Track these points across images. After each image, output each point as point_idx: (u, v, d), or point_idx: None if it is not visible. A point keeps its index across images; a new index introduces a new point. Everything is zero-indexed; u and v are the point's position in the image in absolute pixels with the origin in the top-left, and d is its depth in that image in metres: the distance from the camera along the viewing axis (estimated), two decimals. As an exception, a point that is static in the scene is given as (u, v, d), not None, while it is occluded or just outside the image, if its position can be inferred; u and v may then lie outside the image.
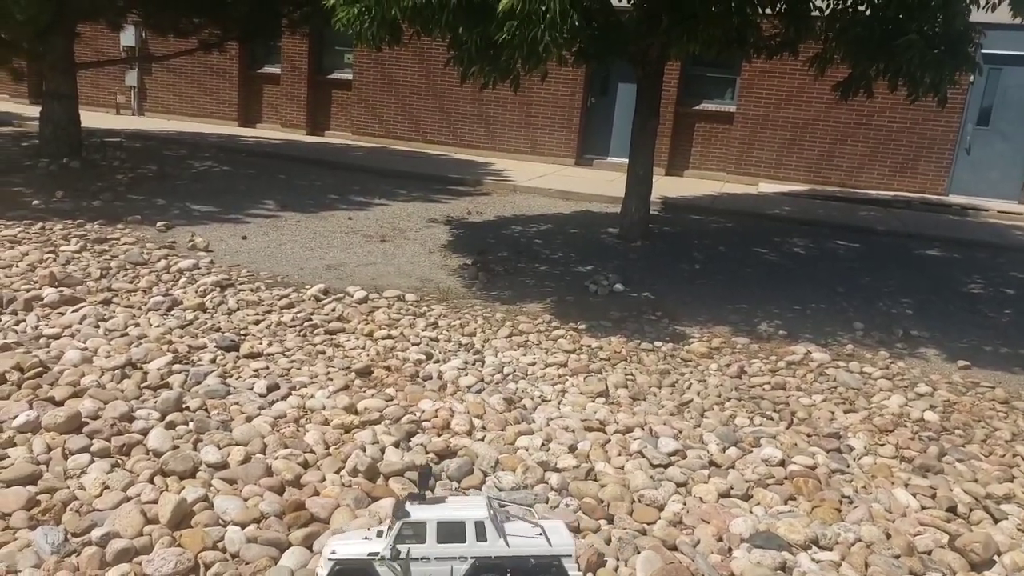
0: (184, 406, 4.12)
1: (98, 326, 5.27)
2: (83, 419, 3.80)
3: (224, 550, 3.01)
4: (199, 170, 11.88)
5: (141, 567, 2.83)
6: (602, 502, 3.53)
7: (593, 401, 4.73)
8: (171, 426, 3.88)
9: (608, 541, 3.22)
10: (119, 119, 17.00)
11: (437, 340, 5.63)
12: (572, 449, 4.02)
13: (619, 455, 4.02)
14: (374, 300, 6.40)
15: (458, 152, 15.37)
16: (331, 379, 4.74)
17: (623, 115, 14.37)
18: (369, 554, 2.58)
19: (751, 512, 3.58)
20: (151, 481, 3.38)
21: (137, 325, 5.37)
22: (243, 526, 3.13)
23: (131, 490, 3.30)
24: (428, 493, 2.70)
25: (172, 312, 5.71)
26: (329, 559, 2.65)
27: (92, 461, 3.49)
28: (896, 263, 8.99)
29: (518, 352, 5.51)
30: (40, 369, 4.38)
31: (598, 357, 5.53)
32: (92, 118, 13.71)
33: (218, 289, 6.31)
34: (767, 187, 13.62)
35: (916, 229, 10.85)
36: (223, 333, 5.33)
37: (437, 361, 5.22)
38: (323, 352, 5.23)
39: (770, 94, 13.84)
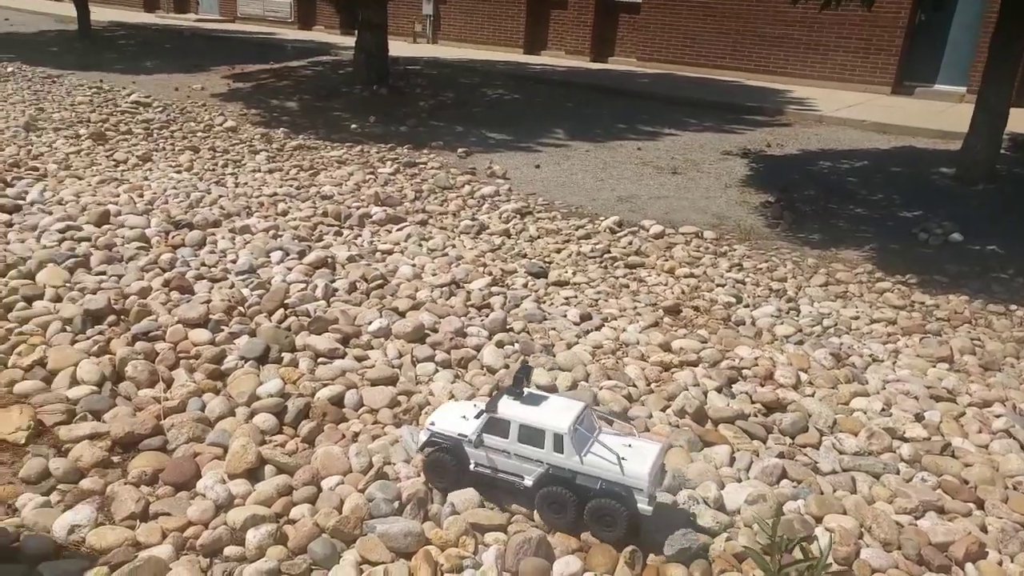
0: (508, 327, 4.30)
1: (421, 244, 5.68)
2: (425, 331, 4.11)
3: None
4: (492, 98, 12.34)
5: (495, 477, 2.99)
6: (967, 483, 3.11)
7: (934, 366, 4.20)
8: (500, 345, 4.07)
9: (984, 529, 2.84)
10: (415, 47, 18.17)
11: (744, 283, 5.34)
12: (919, 418, 3.59)
13: (979, 432, 3.52)
14: (670, 235, 6.23)
15: (750, 78, 14.36)
16: (639, 314, 4.68)
17: (962, 34, 12.43)
18: (459, 434, 2.81)
19: None
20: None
21: (453, 246, 5.71)
22: (579, 451, 3.19)
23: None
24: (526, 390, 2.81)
25: (481, 236, 6.00)
26: (428, 428, 2.90)
27: (436, 371, 3.78)
28: None
29: (837, 304, 5.05)
30: (381, 281, 4.82)
31: (934, 317, 4.90)
32: (392, 47, 14.75)
33: (518, 216, 6.51)
34: None
35: None
36: (531, 260, 5.49)
37: (747, 306, 4.95)
38: (627, 286, 5.19)
39: None
